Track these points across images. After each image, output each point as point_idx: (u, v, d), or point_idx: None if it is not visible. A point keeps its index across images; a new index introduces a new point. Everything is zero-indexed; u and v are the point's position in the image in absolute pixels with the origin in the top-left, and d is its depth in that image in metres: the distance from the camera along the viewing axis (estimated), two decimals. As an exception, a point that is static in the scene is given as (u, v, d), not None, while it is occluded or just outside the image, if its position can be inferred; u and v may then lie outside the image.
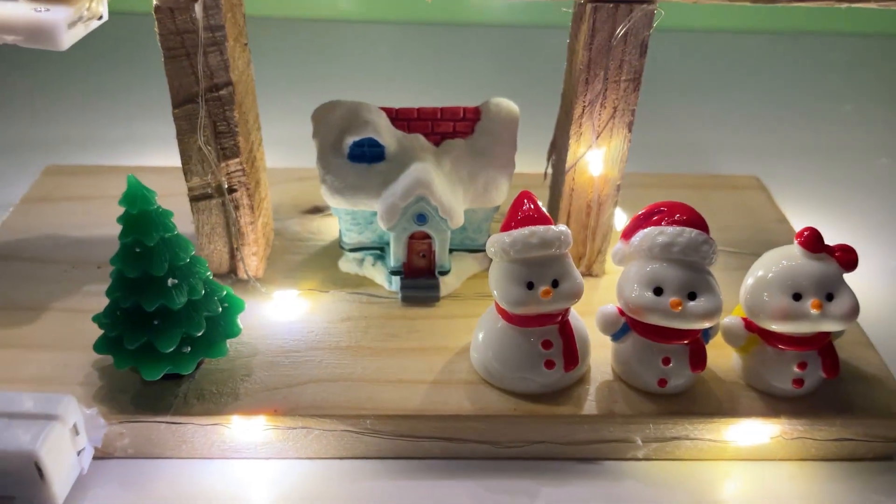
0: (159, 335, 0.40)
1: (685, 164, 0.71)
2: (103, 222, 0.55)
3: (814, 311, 0.42)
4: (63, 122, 0.73)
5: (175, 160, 0.63)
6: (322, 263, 0.52)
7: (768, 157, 0.73)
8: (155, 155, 0.69)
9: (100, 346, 0.42)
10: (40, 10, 0.40)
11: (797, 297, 0.42)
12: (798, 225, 0.62)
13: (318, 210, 0.57)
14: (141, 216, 0.38)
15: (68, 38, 0.41)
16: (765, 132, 0.77)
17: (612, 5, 0.42)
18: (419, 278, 0.50)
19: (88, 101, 0.76)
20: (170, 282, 0.40)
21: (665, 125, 0.77)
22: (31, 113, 0.75)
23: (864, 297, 0.56)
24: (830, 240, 0.62)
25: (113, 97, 0.76)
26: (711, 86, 0.84)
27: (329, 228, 0.55)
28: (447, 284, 0.51)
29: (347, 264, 0.52)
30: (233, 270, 0.49)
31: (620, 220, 0.55)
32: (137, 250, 0.39)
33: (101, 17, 0.43)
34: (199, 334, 0.41)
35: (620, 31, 0.42)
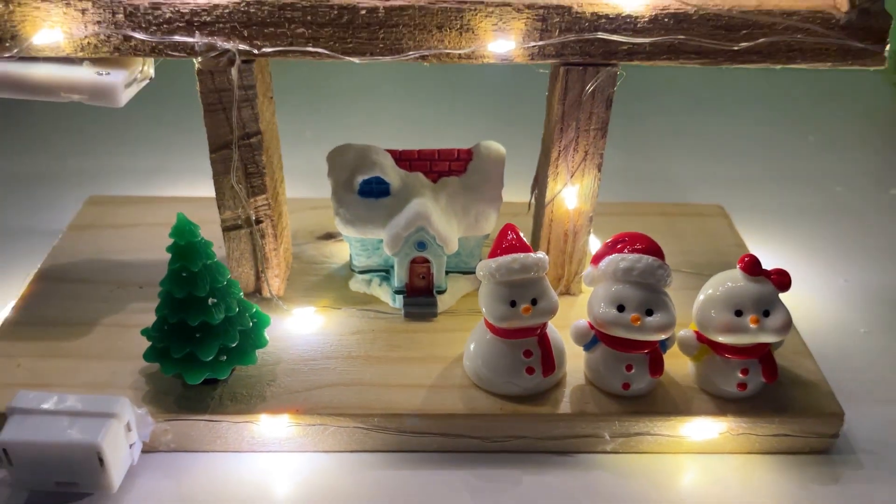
0: (201, 346, 0.47)
1: (656, 193, 0.78)
2: (143, 247, 0.62)
3: (752, 326, 0.49)
4: (102, 155, 0.81)
5: (204, 191, 0.71)
6: (335, 284, 0.60)
7: (733, 186, 0.79)
8: (186, 186, 0.76)
9: (149, 355, 0.49)
10: (102, 74, 0.48)
11: (738, 313, 0.49)
12: (755, 249, 0.70)
13: (330, 236, 0.64)
14: (187, 246, 0.45)
15: (124, 97, 0.49)
16: (730, 163, 0.84)
17: (581, 67, 0.49)
18: (419, 297, 0.57)
19: (125, 136, 0.84)
20: (210, 301, 0.47)
21: (639, 157, 0.84)
22: (73, 147, 0.82)
23: (813, 311, 0.64)
24: (785, 261, 0.69)
25: (148, 132, 0.84)
26: (682, 120, 0.91)
27: (341, 253, 0.63)
28: (443, 302, 0.58)
29: (357, 284, 0.59)
30: (258, 290, 0.57)
31: (595, 245, 0.62)
32: (184, 275, 0.46)
33: (150, 77, 0.51)
34: (234, 345, 0.49)
35: (589, 88, 0.50)
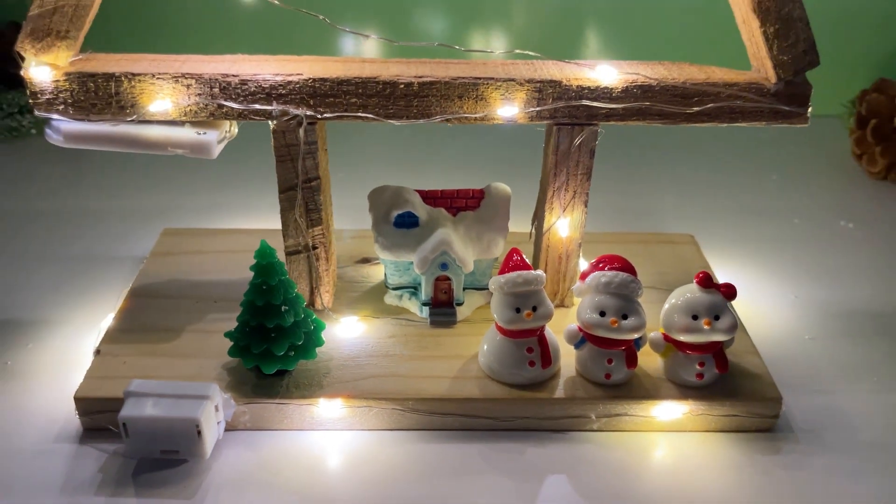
0: (275, 343, 0.60)
1: (637, 224, 0.89)
2: (212, 270, 0.75)
3: (706, 327, 0.61)
4: (172, 194, 0.93)
5: (254, 224, 0.84)
6: (373, 298, 0.72)
7: (703, 218, 0.91)
8: (240, 219, 0.88)
9: (232, 352, 0.62)
10: (200, 133, 0.61)
11: (695, 317, 0.62)
12: (719, 271, 0.82)
13: (367, 260, 0.77)
14: (267, 265, 0.59)
15: (216, 151, 0.62)
16: (702, 198, 0.95)
17: (569, 126, 0.63)
18: (442, 308, 0.70)
19: (190, 177, 0.96)
20: (283, 308, 0.60)
21: (622, 194, 0.96)
22: (148, 186, 0.94)
23: (766, 322, 0.76)
24: (745, 280, 0.82)
25: (208, 174, 0.97)
26: (659, 162, 1.02)
27: (376, 273, 0.75)
28: (461, 312, 0.70)
29: (391, 298, 0.72)
30: (312, 303, 0.70)
31: (583, 266, 0.75)
32: (264, 287, 0.59)
33: (234, 135, 0.65)
34: (300, 343, 0.61)
35: (576, 142, 0.63)
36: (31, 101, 0.60)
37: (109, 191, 0.94)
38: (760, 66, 0.61)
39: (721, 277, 0.79)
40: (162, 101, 0.59)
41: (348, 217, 0.79)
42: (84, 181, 0.97)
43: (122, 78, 0.59)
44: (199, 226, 0.84)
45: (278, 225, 0.67)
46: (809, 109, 0.62)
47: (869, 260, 0.86)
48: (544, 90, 0.60)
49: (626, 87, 0.60)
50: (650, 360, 0.64)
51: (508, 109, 0.61)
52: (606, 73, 0.60)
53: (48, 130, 0.60)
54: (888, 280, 0.83)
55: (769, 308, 0.78)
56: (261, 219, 0.87)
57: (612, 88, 0.60)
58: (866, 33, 1.11)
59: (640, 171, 1.01)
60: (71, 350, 0.69)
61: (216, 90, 0.59)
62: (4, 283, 0.78)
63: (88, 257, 0.82)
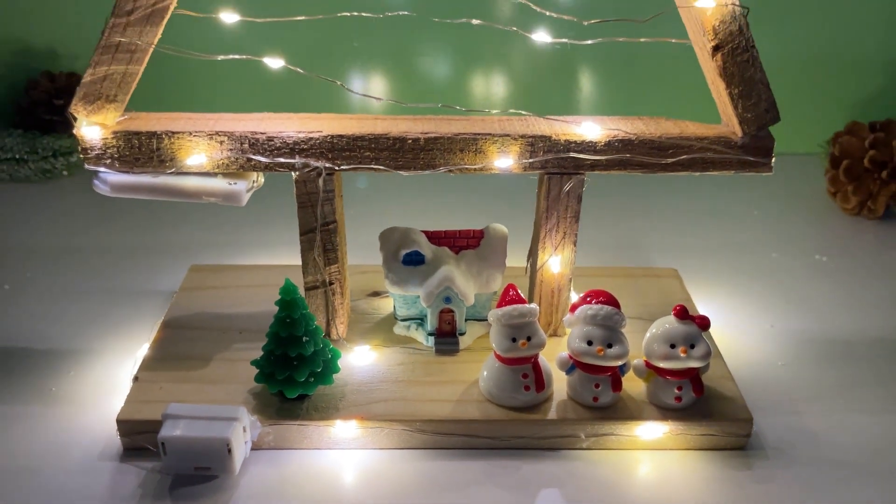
0: (297, 370, 0.67)
1: (624, 259, 0.96)
2: (237, 303, 0.82)
3: (682, 355, 0.68)
4: (198, 232, 0.99)
5: (278, 260, 0.91)
6: (383, 329, 0.79)
7: (687, 253, 0.97)
8: (262, 257, 0.95)
9: (259, 378, 0.69)
10: (231, 183, 0.69)
11: (672, 346, 0.68)
12: (700, 303, 0.89)
13: (377, 294, 0.84)
14: (291, 301, 0.66)
15: (246, 199, 0.70)
16: (686, 235, 1.02)
17: (559, 175, 0.70)
18: (446, 338, 0.76)
19: (215, 217, 1.03)
20: (304, 339, 0.67)
21: (611, 231, 1.02)
22: (175, 225, 1.01)
23: (742, 349, 0.82)
24: (725, 311, 0.88)
25: (230, 215, 1.04)
26: (645, 200, 1.08)
27: (385, 306, 0.82)
28: (464, 342, 0.77)
29: (399, 329, 0.78)
30: (328, 333, 0.77)
31: (574, 299, 0.82)
32: (287, 320, 0.66)
33: (261, 184, 0.72)
34: (318, 370, 0.68)
35: (565, 189, 0.71)
36: (81, 156, 0.67)
37: (138, 229, 1.02)
38: (728, 121, 0.69)
39: (702, 308, 0.86)
40: (198, 155, 0.67)
41: (361, 255, 0.86)
42: (115, 220, 1.04)
43: (163, 135, 0.66)
44: (223, 262, 0.91)
45: (298, 262, 0.74)
46: (773, 160, 0.70)
47: (841, 291, 0.93)
48: (536, 144, 0.68)
49: (609, 141, 0.68)
50: (634, 385, 0.71)
51: (504, 161, 0.69)
52: (591, 129, 0.68)
53: (96, 182, 0.68)
54: (858, 310, 0.89)
55: (746, 336, 0.85)
56: (281, 257, 0.94)
57: (595, 142, 0.68)
58: (840, 79, 1.19)
59: (628, 209, 1.08)
60: (109, 377, 0.76)
61: (246, 146, 0.67)
62: (46, 315, 0.85)
63: (122, 291, 0.89)
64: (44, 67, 1.20)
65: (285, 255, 0.94)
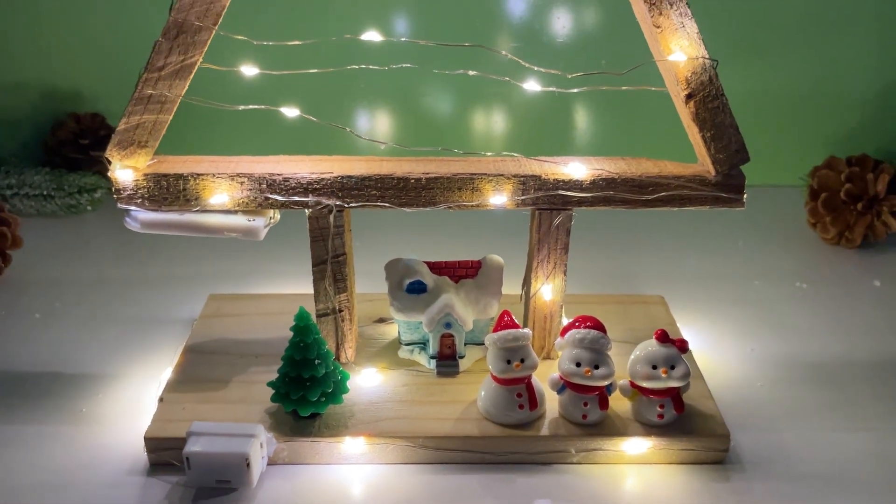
0: (310, 391, 0.73)
1: (613, 287, 1.00)
2: (253, 330, 0.87)
3: (663, 375, 0.74)
4: (214, 262, 1.05)
5: (291, 289, 0.97)
6: (388, 352, 0.84)
7: (674, 281, 1.02)
8: (274, 286, 1.00)
9: (275, 398, 0.74)
10: (250, 220, 0.76)
11: (654, 367, 0.74)
12: (685, 328, 0.94)
13: (382, 320, 0.90)
14: (304, 327, 0.72)
15: (263, 234, 0.76)
16: (672, 264, 1.07)
17: (549, 211, 0.77)
18: (447, 361, 0.81)
19: (234, 249, 1.08)
20: (316, 361, 0.73)
21: (602, 259, 1.08)
22: (192, 256, 1.06)
23: (724, 371, 0.88)
24: (707, 336, 0.94)
25: (245, 246, 1.10)
26: (633, 232, 1.14)
27: (390, 331, 0.87)
28: (463, 364, 0.81)
29: (403, 353, 0.84)
30: (338, 357, 0.82)
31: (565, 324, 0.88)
32: (301, 344, 0.72)
33: (277, 220, 0.79)
34: (329, 391, 0.74)
35: (555, 223, 0.77)
36: (115, 196, 0.74)
37: (158, 261, 1.08)
38: (703, 161, 0.76)
39: (686, 333, 0.92)
40: (220, 194, 0.74)
41: (368, 284, 0.92)
42: (136, 253, 1.10)
43: (189, 177, 0.73)
44: (239, 292, 0.97)
45: (309, 291, 0.80)
46: (745, 196, 0.76)
47: (819, 317, 0.98)
48: (527, 183, 0.75)
49: (593, 179, 0.74)
50: (620, 404, 0.76)
51: (499, 198, 0.75)
52: (577, 169, 0.75)
53: (127, 219, 0.75)
54: (835, 335, 0.95)
55: (728, 359, 0.90)
56: (293, 287, 1.00)
57: (581, 181, 0.75)
58: (820, 117, 1.26)
59: (618, 241, 1.13)
60: (135, 399, 0.82)
61: (264, 186, 0.74)
62: (74, 341, 0.92)
63: (144, 320, 0.95)
64: (69, 109, 1.27)
65: (297, 286, 1.00)
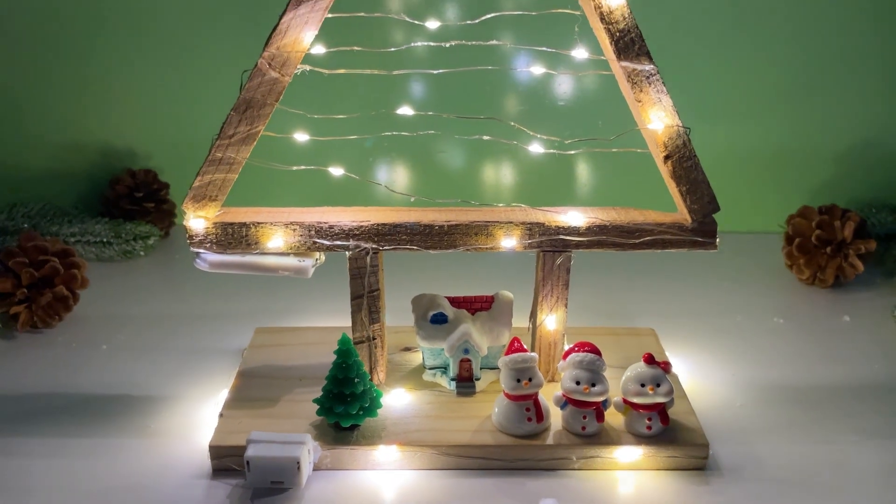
0: (350, 405, 0.85)
1: (609, 321, 1.10)
2: (296, 357, 0.99)
3: (650, 392, 0.87)
4: (260, 299, 1.17)
5: (329, 322, 1.11)
6: (414, 376, 0.95)
7: (665, 317, 1.13)
8: (311, 320, 1.13)
9: (320, 412, 0.87)
10: (301, 261, 0.89)
11: (643, 385, 0.87)
12: (673, 357, 1.05)
13: (408, 349, 1.03)
14: (346, 350, 0.84)
15: (311, 273, 0.90)
16: (663, 302, 1.18)
17: (552, 252, 0.90)
18: (465, 382, 0.91)
19: (278, 286, 1.18)
20: (356, 380, 0.86)
21: (599, 296, 1.18)
22: (239, 293, 1.19)
23: (707, 393, 0.99)
24: (691, 363, 1.06)
25: (282, 284, 1.23)
26: (630, 269, 1.25)
27: (415, 358, 1.00)
28: (479, 385, 0.90)
29: (428, 376, 0.93)
30: (371, 378, 0.96)
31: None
32: (343, 365, 0.85)
33: (322, 261, 0.93)
34: (367, 406, 0.87)
35: (557, 263, 0.91)
36: (188, 240, 0.88)
37: (208, 299, 1.21)
38: (681, 210, 0.89)
39: (675, 361, 1.04)
40: (275, 239, 0.88)
41: (396, 318, 1.06)
42: (186, 292, 1.24)
43: (250, 225, 0.87)
44: (281, 325, 1.11)
45: (345, 324, 0.94)
46: (717, 240, 0.90)
47: (793, 348, 1.10)
48: (533, 229, 0.88)
49: (589, 226, 0.88)
50: (614, 418, 0.85)
51: (509, 242, 0.89)
52: (575, 217, 0.88)
53: (197, 260, 0.89)
54: (806, 363, 1.06)
55: (711, 383, 1.02)
56: (330, 320, 1.13)
57: (578, 227, 0.88)
58: (796, 170, 1.40)
59: (613, 279, 1.24)
60: (194, 416, 0.95)
61: (312, 232, 0.88)
62: (137, 369, 1.04)
63: (198, 350, 1.08)
64: (124, 165, 1.42)
65: (332, 321, 1.13)
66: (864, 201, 1.39)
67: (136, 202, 1.36)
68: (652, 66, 0.81)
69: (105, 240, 1.31)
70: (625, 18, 0.80)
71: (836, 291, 1.25)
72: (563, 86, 1.06)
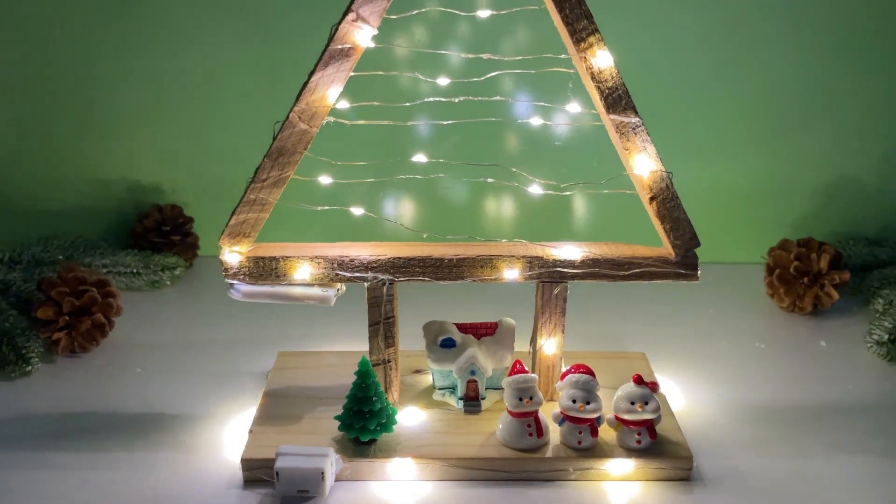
0: (368, 421, 0.95)
1: (603, 345, 1.18)
2: (318, 379, 1.07)
3: (639, 409, 0.96)
4: (282, 326, 1.27)
5: (348, 347, 1.20)
6: (425, 396, 1.04)
7: (654, 341, 1.21)
8: (328, 344, 1.22)
9: (341, 428, 0.96)
10: (324, 291, 0.99)
11: (632, 403, 0.96)
12: (661, 379, 1.14)
13: (419, 371, 1.12)
14: (365, 371, 0.94)
15: (333, 302, 1.00)
16: (654, 327, 1.27)
17: (550, 283, 1.00)
18: (472, 401, 0.99)
19: (301, 313, 1.28)
20: (373, 398, 0.96)
21: (594, 322, 1.26)
22: (261, 320, 1.27)
23: (692, 413, 1.08)
24: (679, 385, 1.16)
25: (299, 310, 1.33)
26: (621, 298, 1.34)
27: (425, 380, 1.10)
28: (484, 404, 0.97)
29: (437, 396, 1.03)
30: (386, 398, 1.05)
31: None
32: (363, 385, 0.94)
33: (343, 291, 1.03)
34: (383, 422, 0.96)
35: (554, 293, 1.00)
36: (223, 272, 0.98)
37: (231, 325, 1.30)
38: (665, 245, 0.99)
39: (664, 382, 1.13)
40: (302, 271, 0.98)
41: (407, 343, 1.15)
42: (211, 319, 1.32)
43: (280, 258, 0.97)
44: (303, 349, 1.20)
45: (358, 349, 1.03)
46: (699, 273, 0.99)
47: (774, 371, 1.19)
48: (532, 262, 0.98)
49: (583, 259, 0.98)
50: (607, 433, 0.91)
51: (511, 273, 0.99)
52: (570, 251, 0.98)
53: (231, 290, 0.99)
54: (785, 385, 1.15)
55: (697, 402, 1.11)
56: (344, 346, 1.22)
57: (574, 260, 0.98)
58: (777, 205, 1.50)
59: (607, 307, 1.33)
60: (225, 433, 1.04)
61: (335, 265, 0.98)
62: (171, 390, 1.13)
63: (225, 373, 1.17)
64: (150, 200, 1.52)
65: (350, 344, 1.20)
66: (841, 234, 1.49)
67: (163, 235, 1.45)
68: (637, 118, 0.92)
69: (135, 270, 1.40)
70: (613, 77, 0.90)
71: (814, 319, 1.35)
72: (561, 128, 1.16)
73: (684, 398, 1.12)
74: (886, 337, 1.21)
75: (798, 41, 1.40)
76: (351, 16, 0.88)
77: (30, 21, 1.41)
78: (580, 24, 0.88)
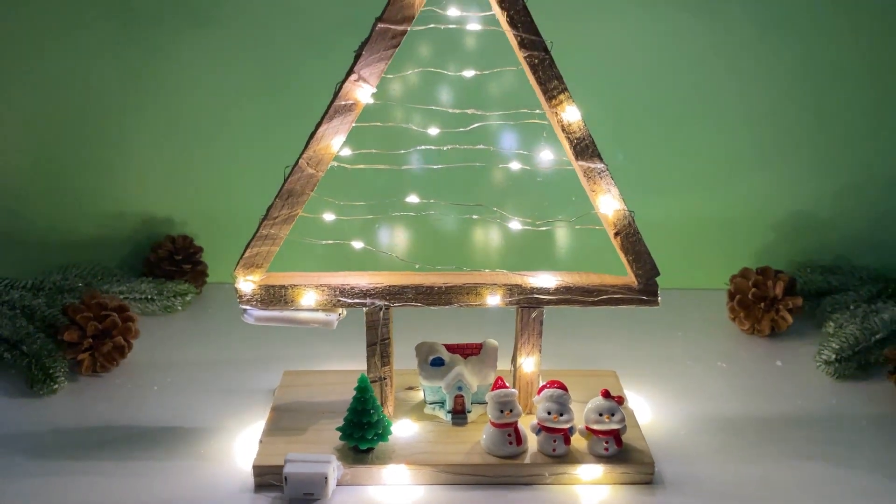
0: (366, 431, 1.06)
1: (577, 364, 1.28)
2: (322, 395, 1.20)
3: (606, 420, 1.08)
4: (288, 346, 1.38)
5: (346, 366, 1.32)
6: (417, 410, 1.16)
7: (624, 361, 1.32)
8: (332, 363, 1.34)
9: (342, 437, 1.08)
10: (328, 315, 1.11)
11: (601, 414, 1.08)
12: (630, 395, 1.27)
13: (411, 388, 1.24)
14: (364, 387, 1.06)
15: (336, 325, 1.12)
16: (624, 348, 1.39)
17: (528, 308, 1.13)
18: (459, 414, 1.11)
19: (296, 337, 1.42)
20: (371, 411, 1.07)
21: (567, 343, 1.37)
22: (267, 340, 1.39)
23: (659, 426, 1.20)
24: (646, 400, 1.28)
25: (304, 335, 1.44)
26: (595, 323, 1.45)
27: (417, 396, 1.22)
28: (470, 417, 1.07)
29: (428, 409, 1.13)
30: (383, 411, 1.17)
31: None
32: (362, 398, 1.06)
33: (344, 316, 1.15)
34: (380, 432, 1.08)
35: (532, 317, 1.13)
36: (238, 299, 1.10)
37: (238, 346, 1.42)
38: (630, 274, 1.12)
39: (632, 398, 1.25)
40: (308, 298, 1.10)
41: (401, 363, 1.27)
42: (220, 340, 1.44)
43: (288, 286, 1.10)
44: (307, 368, 1.32)
45: (356, 369, 1.15)
46: (659, 298, 1.12)
47: (733, 387, 1.30)
48: (513, 289, 1.11)
49: (557, 287, 1.11)
50: (579, 441, 1.03)
51: (494, 299, 1.11)
52: (546, 280, 1.11)
53: (245, 315, 1.11)
54: (742, 399, 1.27)
55: (662, 415, 1.22)
56: (343, 365, 1.34)
57: (549, 288, 1.11)
58: (739, 236, 1.63)
59: (580, 329, 1.43)
60: (236, 443, 1.15)
61: (337, 292, 1.10)
62: (185, 406, 1.23)
63: (235, 390, 1.28)
64: (162, 231, 1.64)
65: (349, 364, 1.32)
66: (798, 263, 1.62)
67: (175, 264, 1.57)
68: (602, 164, 1.05)
69: (149, 297, 1.52)
70: (580, 129, 1.04)
71: (771, 340, 1.47)
72: (543, 166, 1.29)
73: (651, 412, 1.24)
74: (833, 357, 1.34)
75: (759, 85, 1.55)
76: (353, 76, 1.01)
77: (53, 65, 1.53)
78: (552, 83, 1.02)
